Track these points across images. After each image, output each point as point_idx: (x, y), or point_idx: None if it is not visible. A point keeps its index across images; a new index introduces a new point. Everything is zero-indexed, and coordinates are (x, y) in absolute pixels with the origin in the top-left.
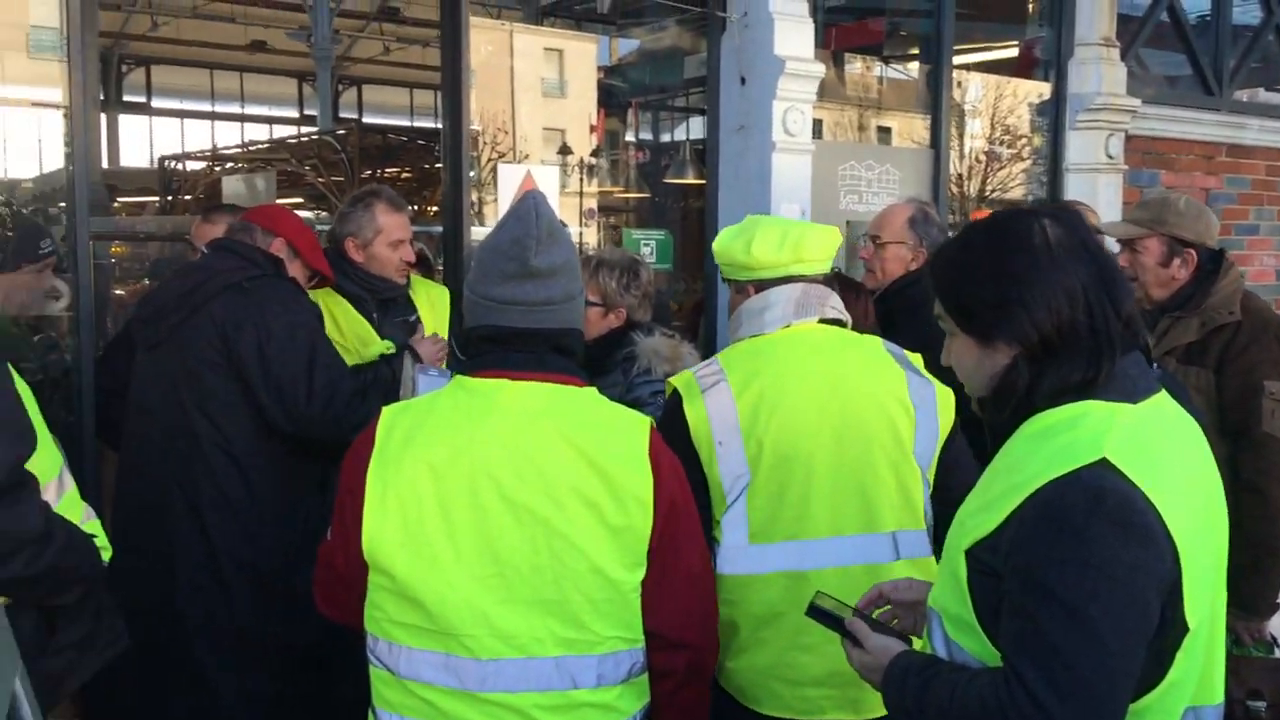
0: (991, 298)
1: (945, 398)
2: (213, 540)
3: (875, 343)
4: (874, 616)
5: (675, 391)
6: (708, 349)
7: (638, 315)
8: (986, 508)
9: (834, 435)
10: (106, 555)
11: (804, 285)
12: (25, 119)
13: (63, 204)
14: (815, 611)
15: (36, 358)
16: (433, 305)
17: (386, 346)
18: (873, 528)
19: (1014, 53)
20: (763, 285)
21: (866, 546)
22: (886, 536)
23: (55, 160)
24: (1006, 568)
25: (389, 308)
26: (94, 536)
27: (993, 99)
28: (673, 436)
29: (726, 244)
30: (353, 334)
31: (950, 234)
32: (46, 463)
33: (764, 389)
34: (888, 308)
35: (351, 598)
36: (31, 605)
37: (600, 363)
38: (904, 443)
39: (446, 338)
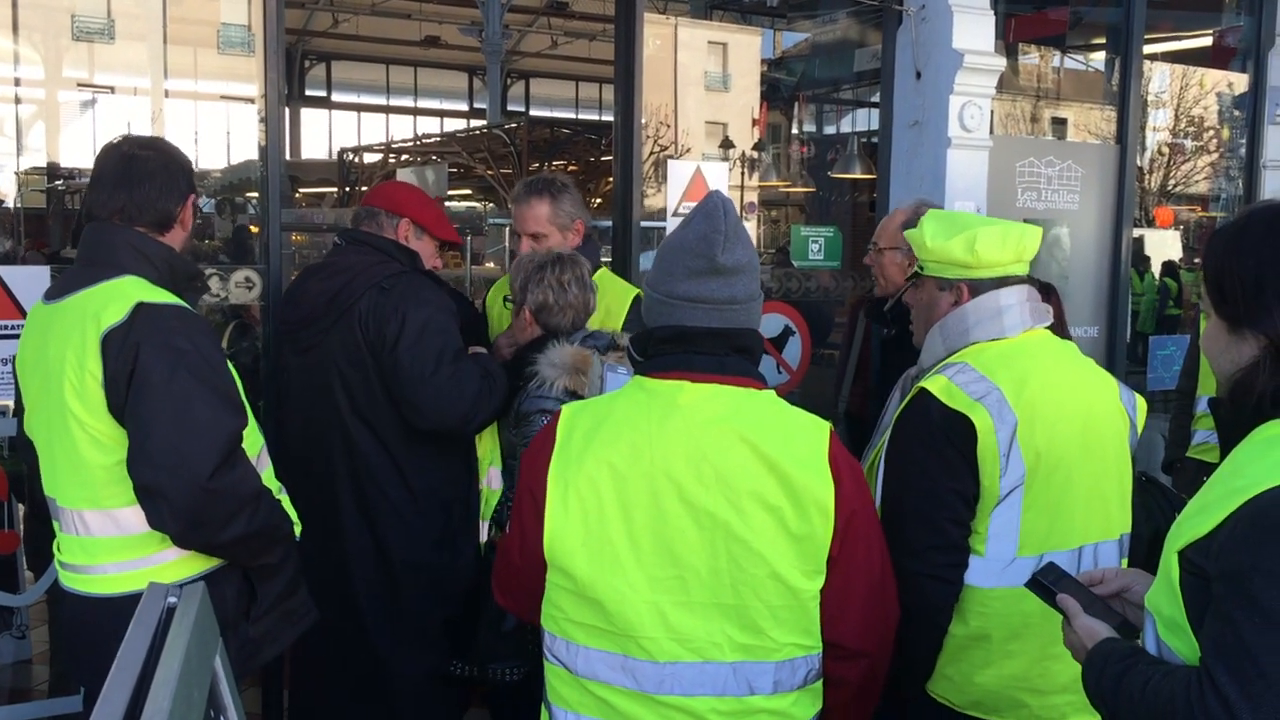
0: (1249, 282)
1: (1142, 405)
2: (380, 539)
3: (1076, 349)
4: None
5: (932, 398)
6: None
7: (551, 319)
8: (1204, 510)
9: (1083, 444)
10: (298, 530)
11: (1027, 288)
12: (215, 112)
13: (250, 194)
14: (1033, 584)
15: (232, 343)
16: (608, 307)
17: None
18: (1108, 534)
19: (1206, 42)
20: (976, 285)
21: (1105, 553)
22: (1115, 542)
23: (243, 152)
24: (1215, 571)
25: None
26: (282, 504)
27: (1177, 90)
28: (943, 445)
29: (942, 242)
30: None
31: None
32: (250, 440)
33: (1034, 398)
34: (904, 316)
35: (527, 591)
36: (242, 565)
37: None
38: (1125, 450)
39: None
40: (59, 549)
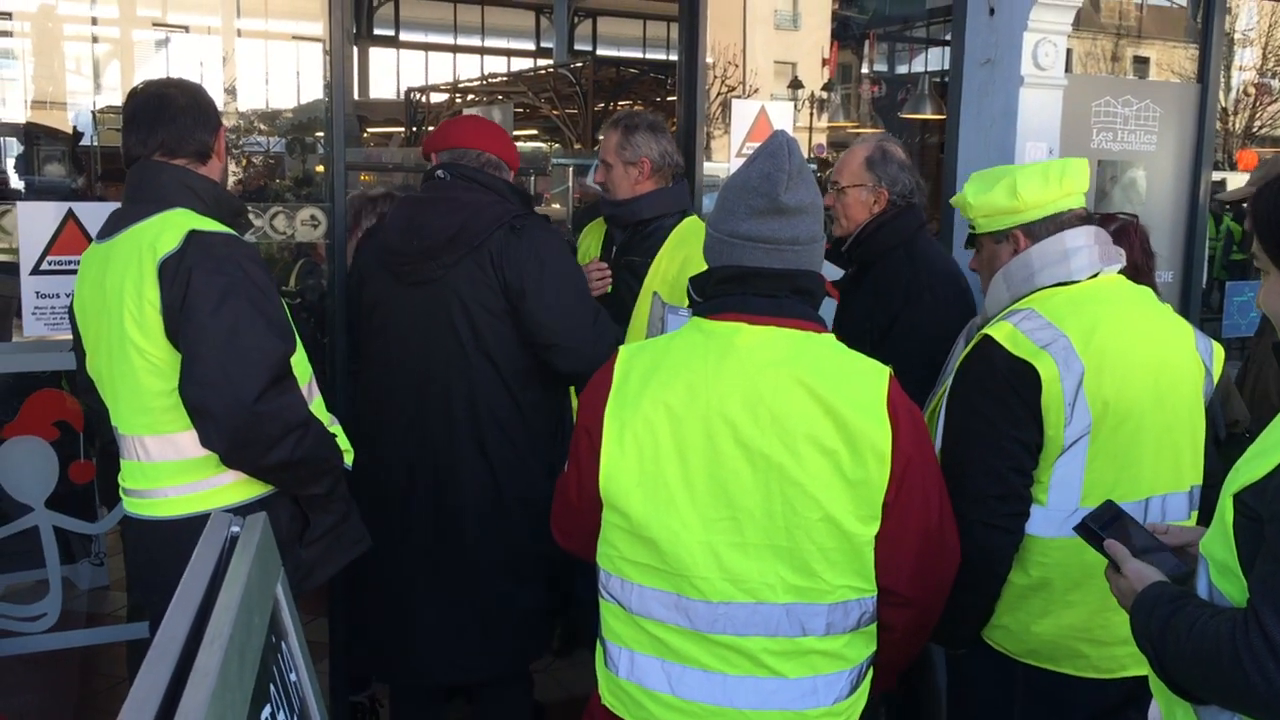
0: None
1: (1219, 353)
2: (496, 473)
3: (1151, 294)
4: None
5: (996, 345)
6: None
7: None
8: (1262, 454)
9: (1155, 394)
10: (349, 458)
11: (1096, 229)
12: (286, 52)
13: (318, 134)
14: (1081, 528)
15: (298, 281)
16: (687, 256)
17: None
18: (1178, 486)
19: None
20: (1030, 229)
21: (1174, 505)
22: (1185, 494)
23: (311, 91)
24: (1268, 513)
25: (635, 240)
26: (336, 437)
27: (1265, 27)
28: (1006, 393)
29: (983, 194)
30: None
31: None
32: (300, 369)
33: (1103, 346)
34: (861, 254)
35: (584, 530)
36: (290, 494)
37: None
38: (1199, 400)
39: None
40: (123, 476)
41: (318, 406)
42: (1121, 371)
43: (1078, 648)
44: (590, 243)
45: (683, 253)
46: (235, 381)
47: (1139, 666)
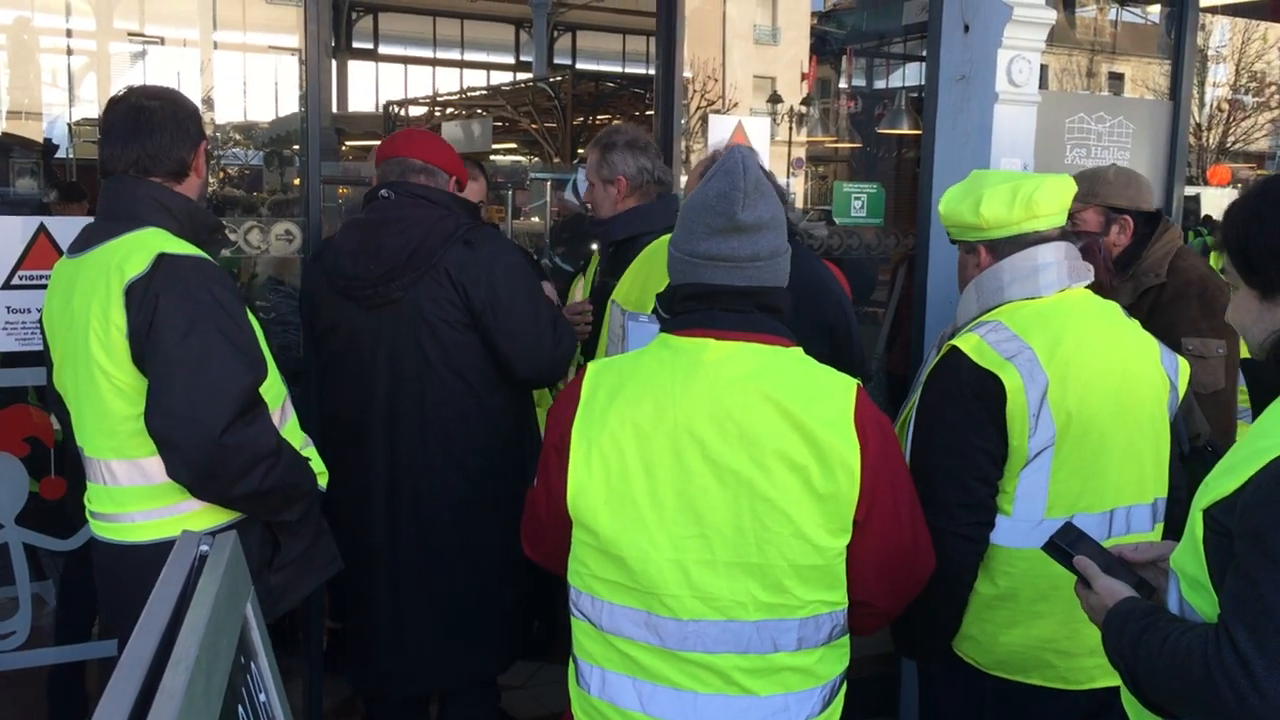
0: (1277, 249)
1: (1185, 368)
2: (469, 480)
3: (1119, 309)
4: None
5: (963, 356)
6: (919, 307)
7: None
8: (1230, 470)
9: (1117, 406)
10: (323, 480)
11: (1066, 245)
12: (263, 64)
13: (295, 146)
14: (1050, 547)
15: (269, 297)
16: (649, 275)
17: None
18: (1141, 498)
19: None
20: (994, 246)
21: (1137, 516)
22: (1149, 506)
23: (289, 104)
24: (1238, 529)
25: (614, 260)
26: (310, 460)
27: (1238, 44)
28: (972, 403)
29: (953, 205)
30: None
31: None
32: (273, 392)
33: (1068, 358)
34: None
35: (552, 545)
36: (261, 521)
37: None
38: (1163, 413)
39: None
40: (89, 499)
41: (291, 429)
42: (1085, 383)
43: (1046, 658)
44: (593, 267)
45: (645, 271)
46: (201, 413)
47: (1107, 678)
